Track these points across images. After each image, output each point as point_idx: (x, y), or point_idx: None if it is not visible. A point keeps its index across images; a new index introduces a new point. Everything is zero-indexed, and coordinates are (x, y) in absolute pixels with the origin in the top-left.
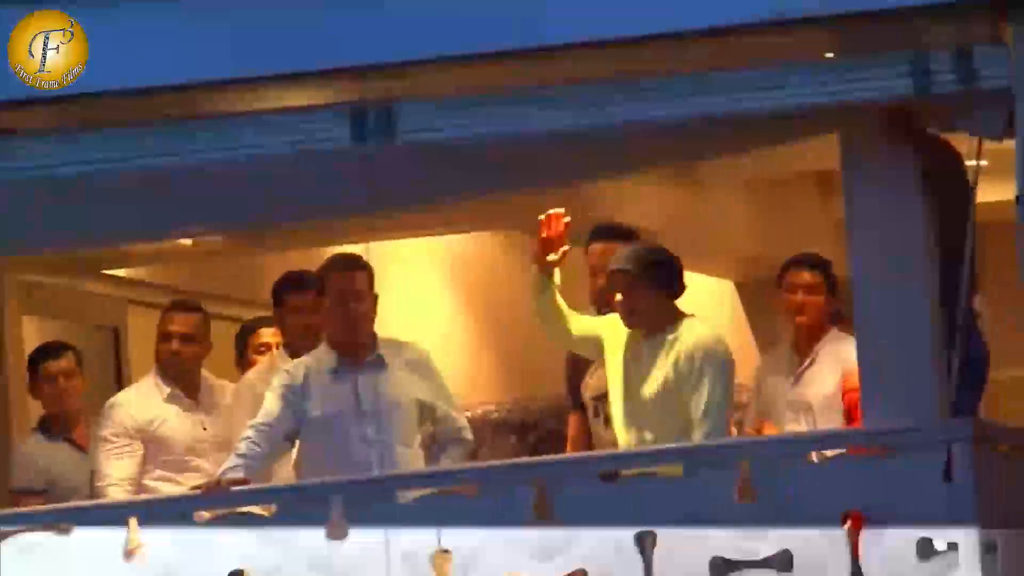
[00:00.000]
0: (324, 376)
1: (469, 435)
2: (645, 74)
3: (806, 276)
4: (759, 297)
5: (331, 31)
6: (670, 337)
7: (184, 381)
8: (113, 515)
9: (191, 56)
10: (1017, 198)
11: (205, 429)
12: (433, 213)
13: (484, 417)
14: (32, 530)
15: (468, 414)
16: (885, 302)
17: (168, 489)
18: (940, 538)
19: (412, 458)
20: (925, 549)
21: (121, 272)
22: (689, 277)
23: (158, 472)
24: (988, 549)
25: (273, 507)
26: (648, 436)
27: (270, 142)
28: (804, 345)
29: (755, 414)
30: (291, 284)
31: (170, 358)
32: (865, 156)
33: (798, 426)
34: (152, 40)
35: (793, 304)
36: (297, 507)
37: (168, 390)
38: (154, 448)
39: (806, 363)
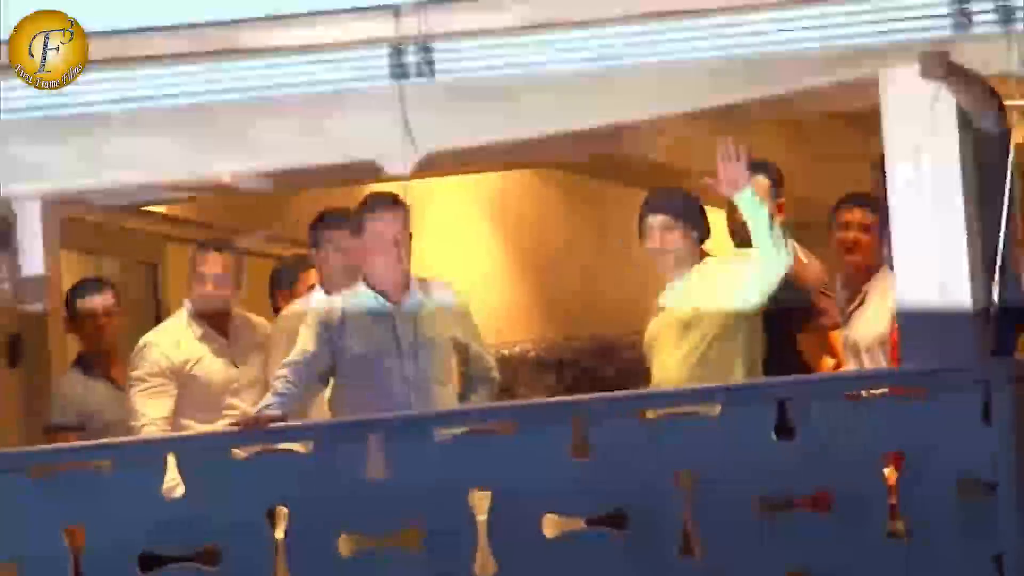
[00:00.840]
0: (362, 315)
1: (496, 374)
2: (681, 14)
3: (857, 214)
4: (805, 237)
5: None
6: None
7: (217, 321)
8: (151, 452)
9: None
10: None
11: (238, 368)
12: (471, 150)
13: (522, 355)
14: (72, 466)
15: (506, 352)
16: (924, 242)
17: (202, 429)
18: (980, 478)
19: (448, 396)
20: (965, 489)
21: (160, 208)
22: (721, 215)
23: (192, 412)
24: None
25: (311, 444)
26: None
27: (309, 79)
28: (854, 284)
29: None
30: (329, 222)
31: (203, 298)
32: (904, 97)
33: (848, 366)
34: None
35: (844, 242)
36: (335, 444)
37: (201, 330)
38: (188, 388)
39: (856, 303)
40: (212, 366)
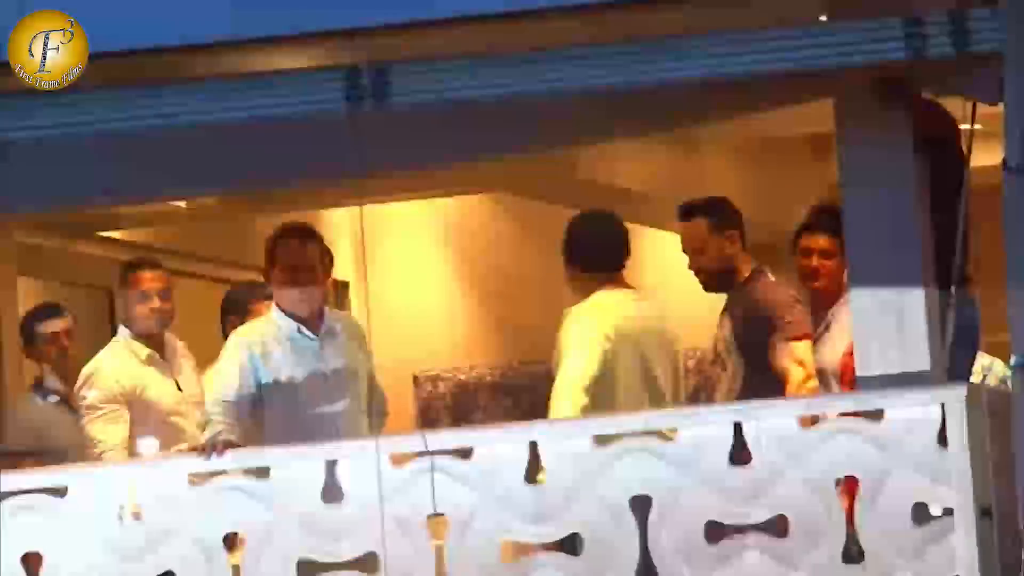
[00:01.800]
0: (284, 343)
1: (388, 408)
2: (636, 37)
3: (820, 240)
4: (766, 261)
5: None
6: None
7: (157, 341)
8: (110, 477)
9: (185, 18)
10: (1004, 163)
11: (180, 390)
12: (425, 176)
13: (479, 380)
14: (29, 492)
15: (463, 376)
16: (879, 267)
17: (154, 451)
18: (935, 503)
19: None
20: (920, 514)
21: (116, 234)
22: (677, 240)
23: (143, 434)
24: (983, 514)
25: (268, 469)
26: None
27: (264, 104)
28: (819, 311)
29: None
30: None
31: (151, 316)
32: (859, 121)
33: (821, 391)
34: (145, 1)
35: (806, 269)
36: (291, 470)
37: (146, 352)
38: (139, 411)
39: (821, 328)
40: (160, 388)
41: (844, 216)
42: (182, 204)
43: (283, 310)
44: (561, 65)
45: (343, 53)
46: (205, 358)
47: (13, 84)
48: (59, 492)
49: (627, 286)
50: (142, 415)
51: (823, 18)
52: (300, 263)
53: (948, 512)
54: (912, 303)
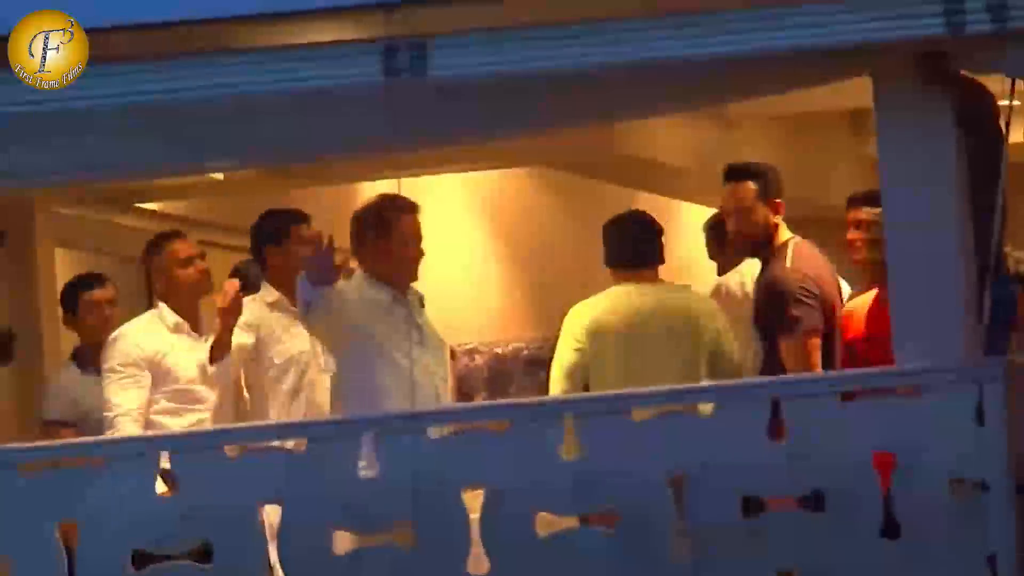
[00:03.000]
0: (380, 305)
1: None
2: (674, 12)
3: (862, 213)
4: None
5: None
6: None
7: (190, 311)
8: (146, 448)
9: None
10: None
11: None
12: (463, 150)
13: (515, 354)
14: (65, 463)
15: (499, 350)
16: (917, 242)
17: (173, 420)
18: (971, 478)
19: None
20: (956, 489)
21: (154, 206)
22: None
23: (163, 403)
24: (1019, 490)
25: (305, 441)
26: None
27: (303, 77)
28: (864, 283)
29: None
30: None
31: (195, 282)
32: (898, 98)
33: None
34: None
35: (851, 242)
36: (328, 442)
37: (174, 320)
38: (160, 378)
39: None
40: (185, 355)
41: (882, 193)
42: (219, 177)
43: (382, 277)
44: (599, 40)
45: (381, 27)
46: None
47: None
48: (96, 463)
49: (647, 280)
50: (162, 383)
51: None
52: (419, 235)
53: (983, 488)
54: (950, 280)
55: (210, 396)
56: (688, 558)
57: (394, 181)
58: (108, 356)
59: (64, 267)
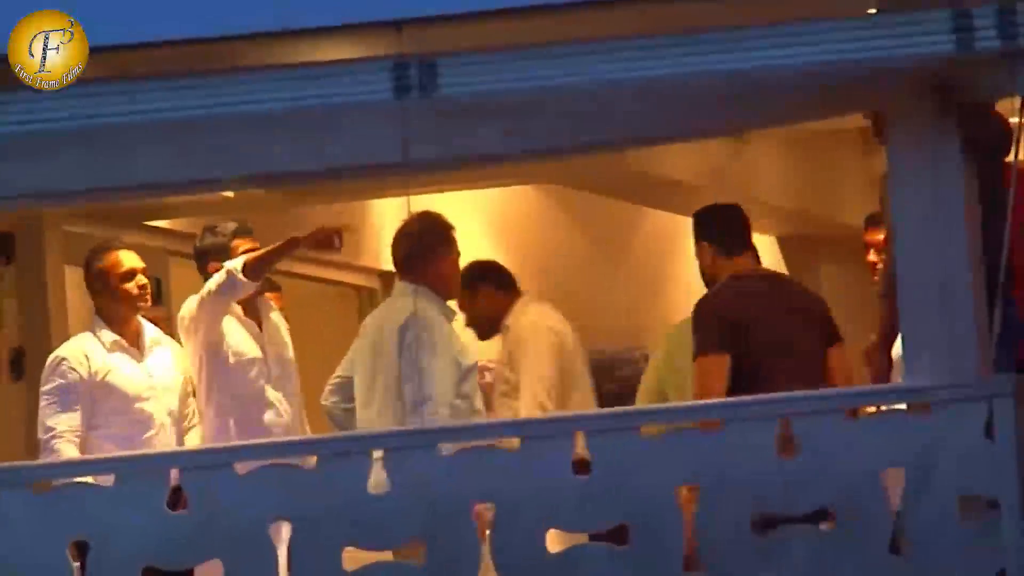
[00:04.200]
0: (446, 319)
1: None
2: (686, 29)
3: (879, 235)
4: (801, 252)
5: None
6: None
7: (129, 328)
8: (154, 465)
9: (235, 8)
10: None
11: (151, 376)
12: (474, 167)
13: None
14: (74, 478)
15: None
16: (927, 261)
17: (117, 438)
18: (981, 494)
19: None
20: (966, 506)
21: (163, 223)
22: None
23: (108, 427)
24: None
25: (314, 458)
26: None
27: (313, 95)
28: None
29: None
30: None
31: (134, 296)
32: (908, 127)
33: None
34: None
35: (871, 265)
36: (338, 458)
37: (110, 339)
38: (102, 398)
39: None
40: (126, 374)
41: (892, 220)
42: (230, 194)
43: (443, 292)
44: (608, 57)
45: (392, 44)
46: None
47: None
48: (106, 478)
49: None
50: (106, 399)
51: (872, 11)
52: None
53: (994, 504)
54: (959, 299)
55: (158, 413)
56: (702, 573)
57: (403, 199)
58: (45, 379)
59: (73, 285)
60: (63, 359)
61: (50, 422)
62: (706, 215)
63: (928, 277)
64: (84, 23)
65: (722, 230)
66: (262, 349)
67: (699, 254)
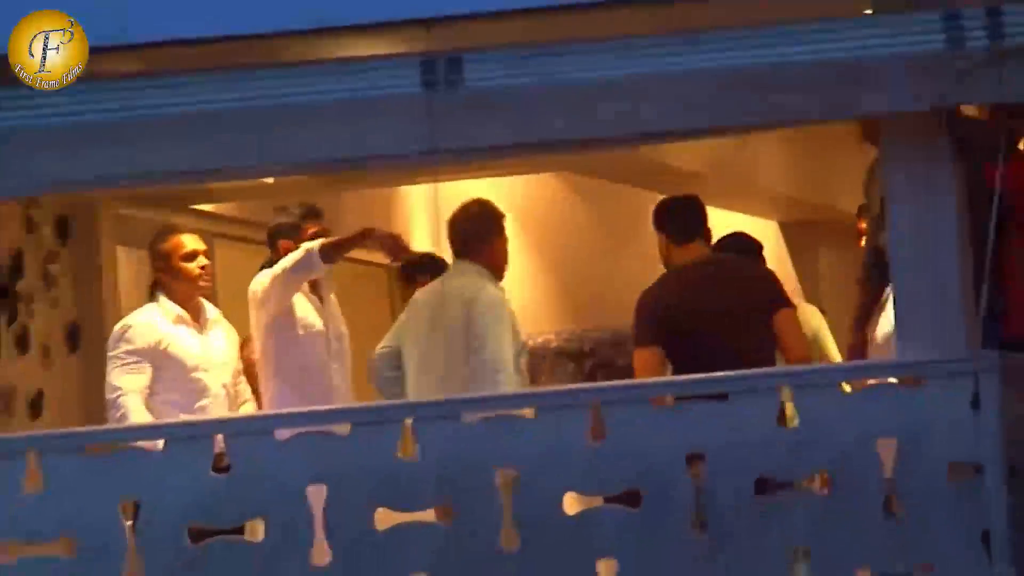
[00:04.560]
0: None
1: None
2: (690, 29)
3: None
4: (801, 236)
5: None
6: None
7: (192, 305)
8: (199, 432)
9: (276, 8)
10: None
11: (209, 350)
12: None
13: (544, 345)
14: (125, 444)
15: (530, 342)
16: (919, 249)
17: (174, 404)
18: (967, 462)
19: None
20: (954, 471)
21: (208, 207)
22: (734, 217)
23: (168, 393)
24: (1013, 473)
25: (348, 426)
26: None
27: (347, 88)
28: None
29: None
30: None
31: (196, 276)
32: (903, 125)
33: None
34: None
35: (860, 249)
36: (370, 426)
37: (175, 313)
38: (164, 367)
39: (879, 306)
40: (186, 346)
41: (888, 220)
42: (269, 180)
43: (499, 272)
44: (622, 55)
45: (421, 41)
46: None
47: (109, 68)
48: (154, 444)
49: None
50: (166, 367)
51: (868, 11)
52: None
53: (979, 470)
54: (949, 284)
55: (212, 384)
56: (708, 534)
57: (432, 186)
58: (112, 344)
59: (125, 264)
60: (130, 327)
61: (117, 382)
62: (660, 208)
63: (921, 263)
64: (135, 21)
65: (674, 221)
66: (324, 323)
67: (658, 243)
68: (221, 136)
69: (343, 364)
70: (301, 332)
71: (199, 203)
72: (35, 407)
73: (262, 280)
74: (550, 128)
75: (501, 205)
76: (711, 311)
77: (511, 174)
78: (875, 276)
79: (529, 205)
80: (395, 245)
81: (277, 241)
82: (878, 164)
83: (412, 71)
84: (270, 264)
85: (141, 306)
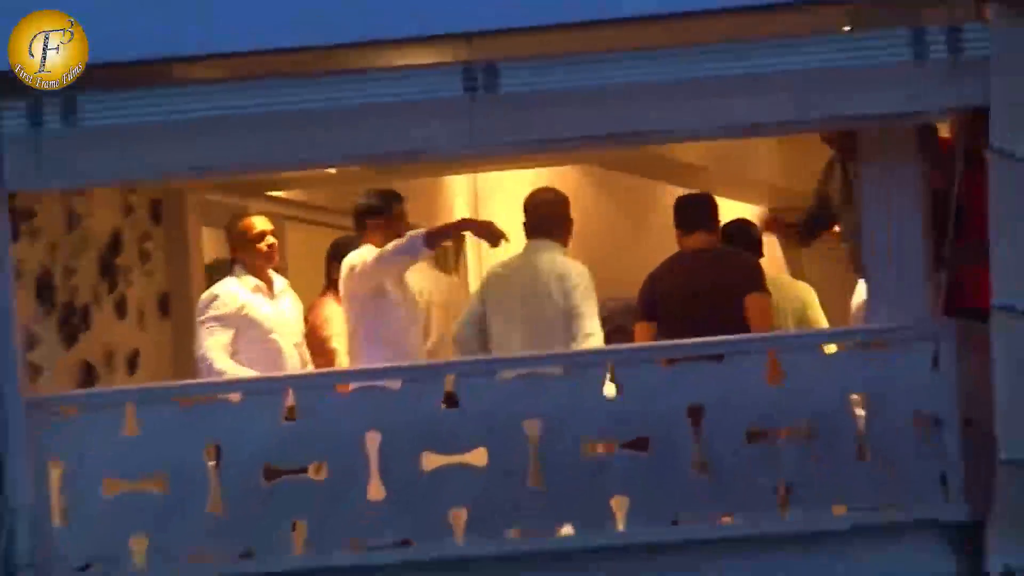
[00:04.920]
0: None
1: None
2: (692, 43)
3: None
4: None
5: (448, 3)
6: None
7: (264, 277)
8: (272, 386)
9: (336, 22)
10: (989, 145)
11: (280, 315)
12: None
13: None
14: (209, 396)
15: None
16: (888, 235)
17: (252, 362)
18: (929, 414)
19: None
20: (916, 422)
21: (280, 193)
22: (730, 204)
23: (248, 353)
24: (967, 423)
25: (400, 381)
26: None
27: (398, 92)
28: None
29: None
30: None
31: (267, 251)
32: (876, 141)
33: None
34: (307, 8)
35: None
36: (420, 382)
37: (253, 283)
38: (245, 328)
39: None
40: (262, 311)
41: (862, 213)
42: (332, 171)
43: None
44: (631, 64)
45: (463, 51)
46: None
47: (198, 72)
48: (234, 394)
49: None
50: (246, 330)
51: (847, 29)
52: None
53: (938, 422)
54: (913, 263)
55: (285, 346)
56: (708, 475)
57: (471, 176)
58: (201, 310)
59: (208, 242)
60: (217, 295)
61: (207, 343)
62: (676, 203)
63: (890, 248)
64: (219, 35)
65: (681, 214)
66: (407, 296)
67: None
68: (292, 133)
69: (419, 329)
70: (392, 301)
71: (272, 191)
72: (132, 365)
73: (363, 255)
74: (574, 127)
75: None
76: (690, 292)
77: (539, 166)
78: (810, 224)
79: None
80: (491, 231)
81: (365, 220)
82: (833, 162)
83: (455, 78)
84: (350, 241)
85: (222, 278)
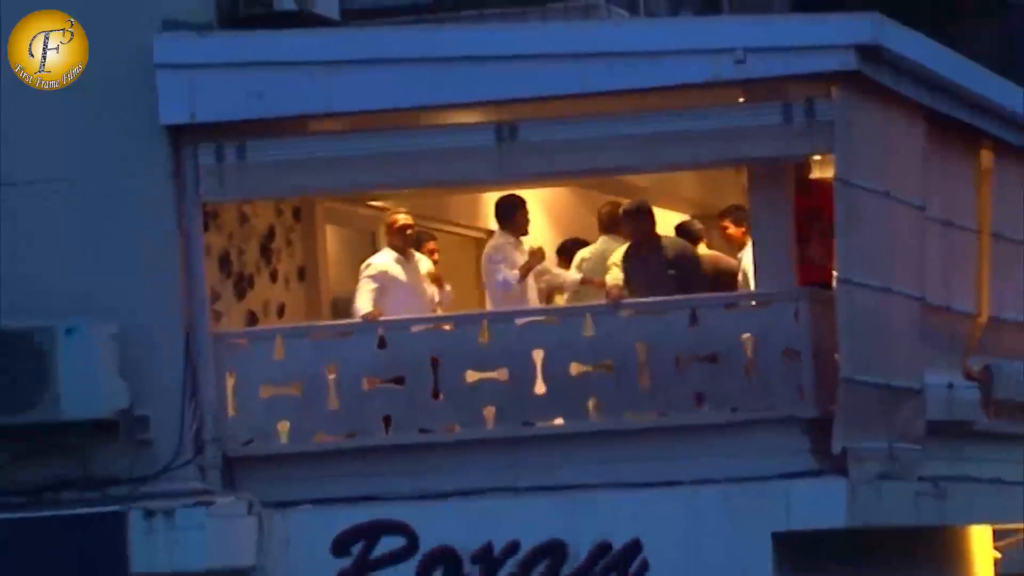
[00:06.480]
0: None
1: None
2: (650, 109)
3: (727, 223)
4: (706, 223)
5: (483, 78)
6: None
7: (407, 253)
8: (368, 327)
9: (414, 89)
10: (835, 176)
11: (419, 283)
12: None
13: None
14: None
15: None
16: (769, 234)
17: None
18: (795, 350)
19: None
20: (785, 354)
21: (378, 203)
22: (666, 213)
23: (392, 306)
24: (815, 355)
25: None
26: None
27: (447, 143)
28: (733, 252)
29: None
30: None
31: (408, 235)
32: (763, 183)
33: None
34: (392, 80)
35: (726, 236)
36: (466, 325)
37: (396, 256)
38: (391, 287)
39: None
40: (404, 274)
41: (752, 222)
42: (405, 191)
43: None
44: (614, 123)
45: (494, 113)
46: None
47: (323, 125)
48: (347, 333)
49: None
50: (394, 291)
51: (741, 100)
52: None
53: (797, 355)
54: (782, 258)
55: (419, 300)
56: (650, 387)
57: (498, 193)
58: (361, 275)
59: (330, 233)
60: (371, 264)
61: (359, 302)
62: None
63: (770, 243)
64: (341, 98)
65: (625, 218)
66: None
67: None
68: (382, 166)
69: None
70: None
71: (373, 200)
72: (280, 313)
73: (496, 245)
74: (571, 164)
75: (536, 206)
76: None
77: (541, 187)
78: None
79: (553, 206)
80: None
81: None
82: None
83: (489, 131)
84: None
85: (343, 259)
